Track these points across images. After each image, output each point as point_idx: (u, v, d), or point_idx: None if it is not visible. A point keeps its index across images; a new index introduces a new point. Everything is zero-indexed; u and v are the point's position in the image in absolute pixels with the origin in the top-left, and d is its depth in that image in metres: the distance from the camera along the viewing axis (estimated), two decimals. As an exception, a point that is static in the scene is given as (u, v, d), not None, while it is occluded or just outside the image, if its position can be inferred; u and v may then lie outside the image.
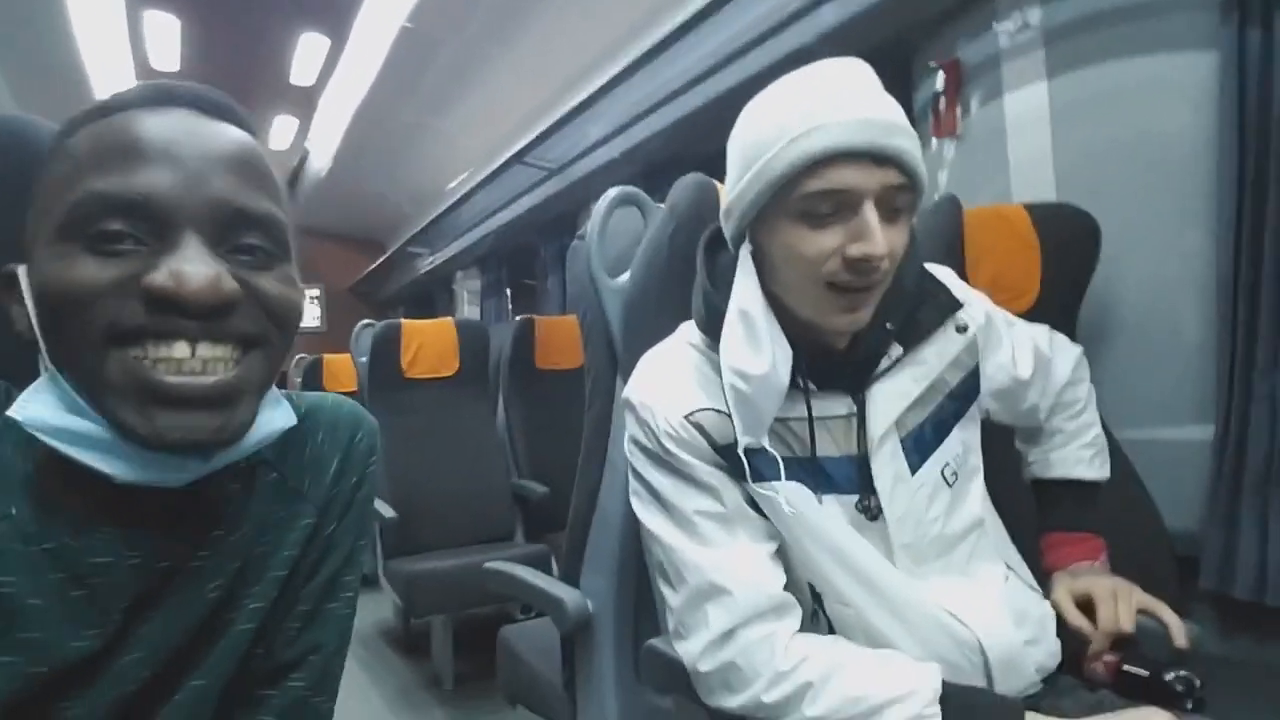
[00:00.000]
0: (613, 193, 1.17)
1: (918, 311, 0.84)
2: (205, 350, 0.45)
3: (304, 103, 5.11)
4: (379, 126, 4.74)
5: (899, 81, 2.09)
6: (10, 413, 0.46)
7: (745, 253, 0.78)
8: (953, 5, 1.85)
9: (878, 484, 0.79)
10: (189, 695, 0.55)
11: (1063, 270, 1.41)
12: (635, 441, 0.84)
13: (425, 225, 5.47)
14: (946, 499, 0.82)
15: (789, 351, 0.76)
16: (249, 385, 0.48)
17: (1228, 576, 1.31)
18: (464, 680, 2.59)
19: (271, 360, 0.50)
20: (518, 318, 3.03)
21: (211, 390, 0.45)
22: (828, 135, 0.68)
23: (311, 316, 7.33)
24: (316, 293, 7.36)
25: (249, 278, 0.47)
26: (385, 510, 2.53)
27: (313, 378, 4.30)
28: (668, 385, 0.82)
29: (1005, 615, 0.80)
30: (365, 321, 3.04)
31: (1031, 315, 1.09)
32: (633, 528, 1.17)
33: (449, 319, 3.00)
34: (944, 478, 0.82)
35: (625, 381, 1.14)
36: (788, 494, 0.76)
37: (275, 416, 0.53)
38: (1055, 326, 1.02)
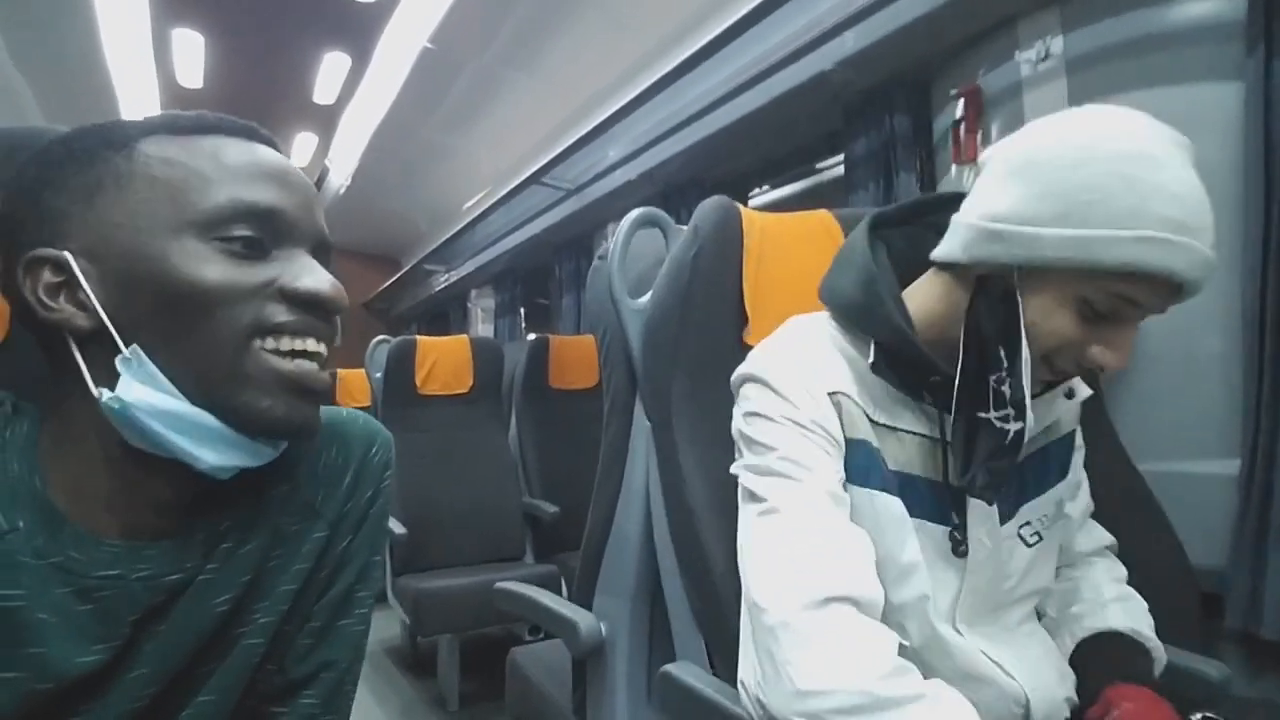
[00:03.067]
0: (635, 213, 1.17)
1: None
2: (324, 348, 0.53)
3: (325, 120, 5.18)
4: (398, 145, 4.79)
5: (919, 108, 2.09)
6: (109, 400, 0.46)
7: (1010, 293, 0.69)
8: (974, 33, 1.85)
9: (970, 520, 0.77)
10: (197, 712, 0.54)
11: (1086, 299, 1.40)
12: (764, 416, 0.77)
13: (441, 243, 5.51)
14: (1025, 558, 0.80)
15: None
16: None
17: (1255, 615, 1.28)
18: (469, 700, 2.57)
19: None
20: (532, 336, 3.03)
21: (325, 383, 0.52)
22: (1176, 259, 0.62)
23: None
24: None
25: None
26: (396, 527, 2.52)
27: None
28: (805, 362, 0.79)
29: (1050, 671, 0.79)
30: (381, 338, 3.05)
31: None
32: (649, 551, 1.16)
33: (464, 336, 3.01)
34: (1021, 537, 0.80)
35: (645, 403, 1.14)
36: (887, 505, 0.74)
37: None
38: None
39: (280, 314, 0.50)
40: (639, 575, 1.17)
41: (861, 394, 0.78)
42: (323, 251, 0.55)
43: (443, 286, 5.98)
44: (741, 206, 1.06)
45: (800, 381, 0.77)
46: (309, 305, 0.51)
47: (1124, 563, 0.93)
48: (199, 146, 0.52)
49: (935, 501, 0.77)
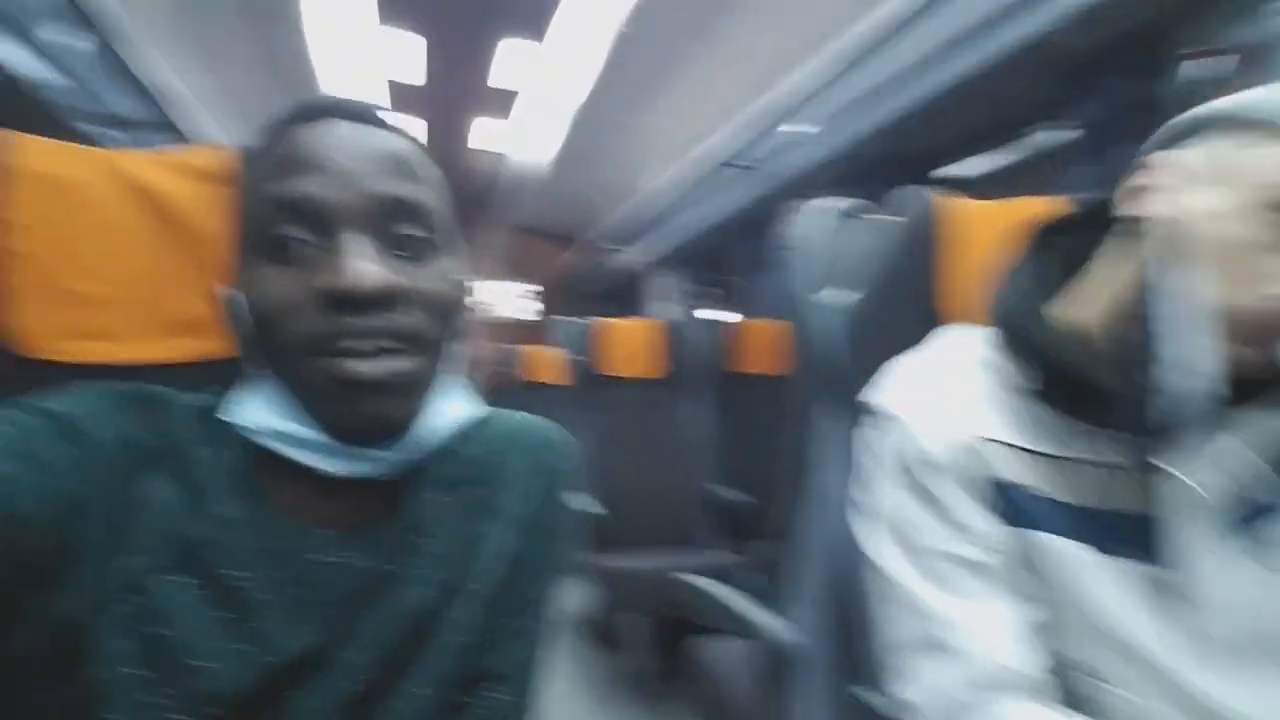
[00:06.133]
0: (821, 201, 1.10)
1: None
2: (376, 338, 0.49)
3: (507, 105, 5.39)
4: (580, 126, 4.90)
5: (1150, 72, 1.82)
6: (221, 415, 0.51)
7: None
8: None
9: (1186, 556, 0.65)
10: (408, 703, 0.57)
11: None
12: (883, 457, 0.74)
13: (621, 222, 5.60)
14: None
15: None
16: (417, 377, 0.51)
17: None
18: (656, 679, 2.62)
19: (435, 355, 0.52)
20: (718, 320, 3.00)
21: (394, 378, 0.49)
22: None
23: (524, 310, 7.82)
24: (528, 287, 7.84)
25: (409, 276, 0.50)
26: (585, 505, 2.60)
27: (522, 370, 4.56)
28: (946, 399, 0.72)
29: None
30: (572, 319, 3.15)
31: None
32: (845, 561, 1.10)
33: (653, 319, 3.04)
34: None
35: (832, 405, 1.08)
36: (1061, 550, 0.66)
37: (458, 407, 0.57)
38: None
39: (320, 324, 0.48)
40: (835, 584, 1.11)
41: (1019, 427, 0.69)
42: (391, 218, 0.50)
43: (626, 266, 6.09)
44: (942, 196, 0.97)
45: (929, 422, 0.70)
46: (340, 306, 0.47)
47: None
48: (264, 152, 0.52)
49: (1135, 536, 0.66)
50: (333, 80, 4.46)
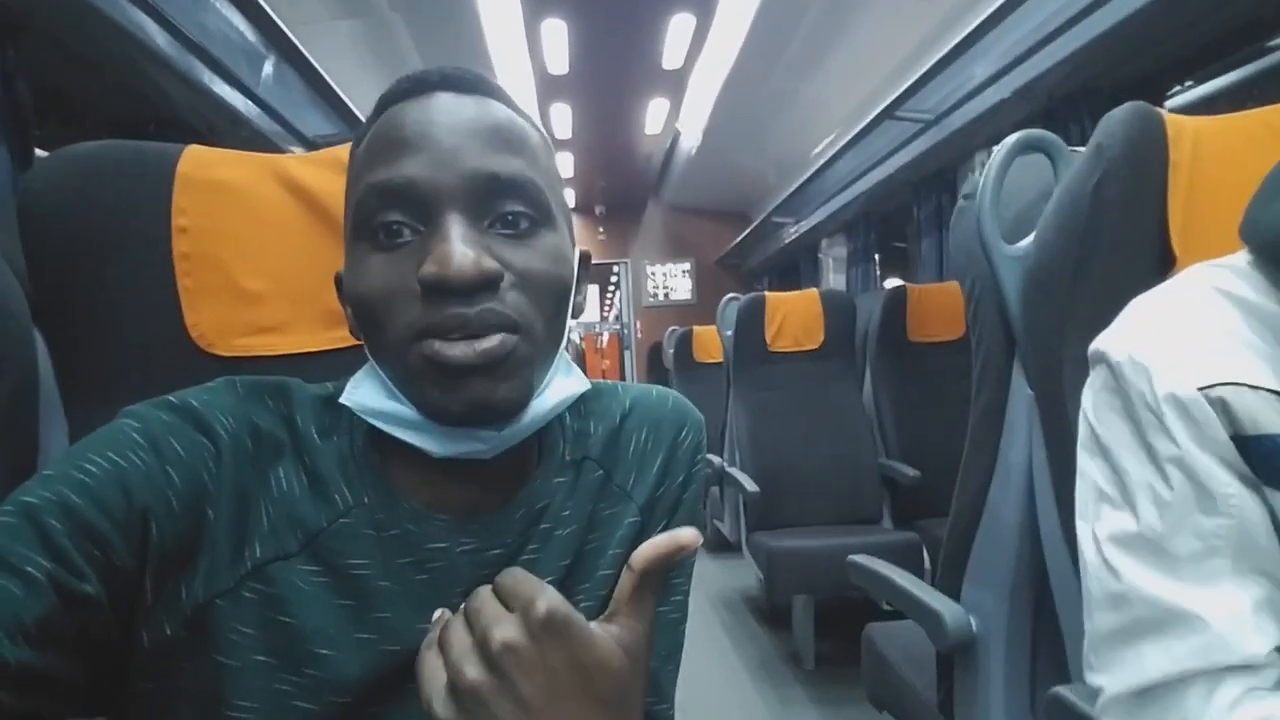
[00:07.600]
0: (1013, 138, 0.96)
1: None
2: (477, 330, 0.46)
3: (674, 84, 5.35)
4: (744, 99, 4.78)
5: None
6: (342, 398, 0.51)
7: None
8: None
9: None
10: None
11: None
12: (1107, 410, 0.64)
13: (790, 194, 5.42)
14: None
15: None
16: (521, 360, 0.48)
17: None
18: (825, 661, 2.54)
19: (540, 335, 0.49)
20: (888, 287, 2.84)
21: (487, 360, 0.46)
22: None
23: (684, 290, 7.81)
24: (687, 266, 7.81)
25: (511, 256, 0.48)
26: (747, 484, 2.56)
27: (683, 349, 4.56)
28: (1181, 341, 0.61)
29: None
30: (730, 295, 3.09)
31: None
32: (1031, 539, 0.98)
33: (814, 290, 2.92)
34: None
35: (1025, 369, 0.95)
36: None
37: (566, 384, 0.54)
38: None
39: (421, 312, 0.46)
40: (1019, 569, 0.99)
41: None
42: (494, 196, 0.48)
43: (792, 238, 5.92)
44: (1165, 112, 0.81)
45: (1165, 372, 0.59)
46: (441, 294, 0.45)
47: None
48: (371, 133, 0.51)
49: None
50: (508, 77, 4.63)
